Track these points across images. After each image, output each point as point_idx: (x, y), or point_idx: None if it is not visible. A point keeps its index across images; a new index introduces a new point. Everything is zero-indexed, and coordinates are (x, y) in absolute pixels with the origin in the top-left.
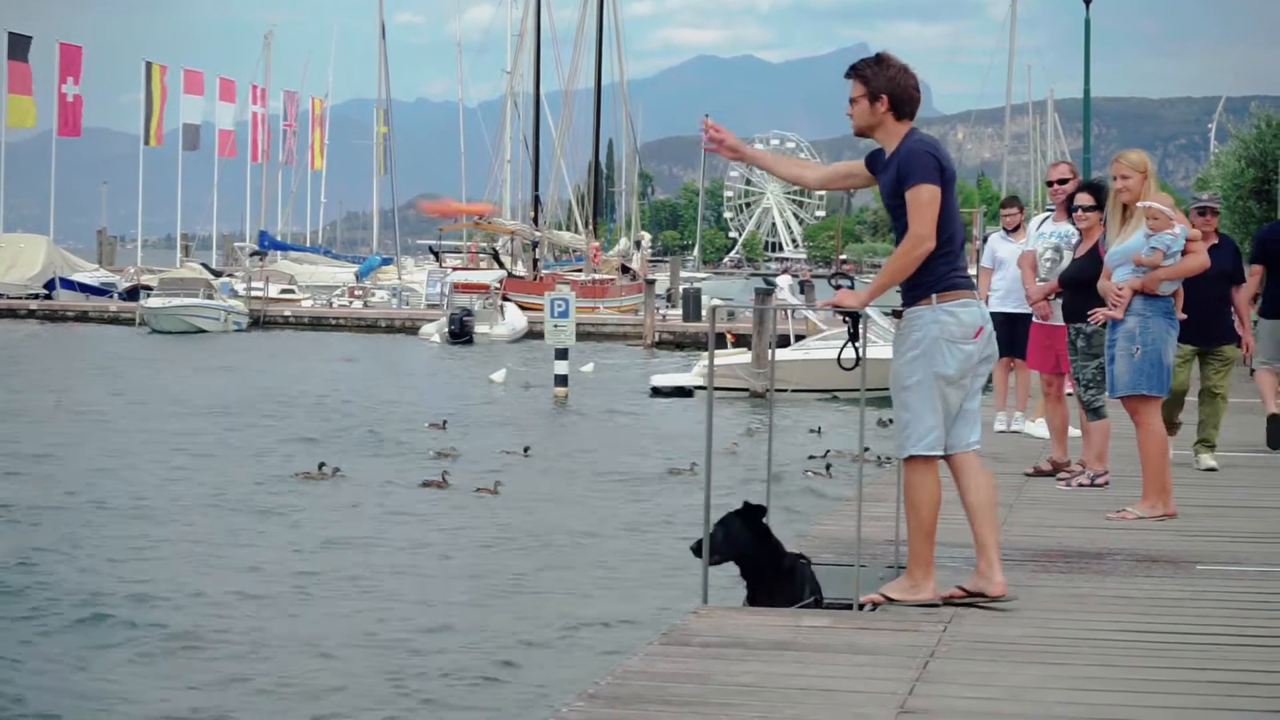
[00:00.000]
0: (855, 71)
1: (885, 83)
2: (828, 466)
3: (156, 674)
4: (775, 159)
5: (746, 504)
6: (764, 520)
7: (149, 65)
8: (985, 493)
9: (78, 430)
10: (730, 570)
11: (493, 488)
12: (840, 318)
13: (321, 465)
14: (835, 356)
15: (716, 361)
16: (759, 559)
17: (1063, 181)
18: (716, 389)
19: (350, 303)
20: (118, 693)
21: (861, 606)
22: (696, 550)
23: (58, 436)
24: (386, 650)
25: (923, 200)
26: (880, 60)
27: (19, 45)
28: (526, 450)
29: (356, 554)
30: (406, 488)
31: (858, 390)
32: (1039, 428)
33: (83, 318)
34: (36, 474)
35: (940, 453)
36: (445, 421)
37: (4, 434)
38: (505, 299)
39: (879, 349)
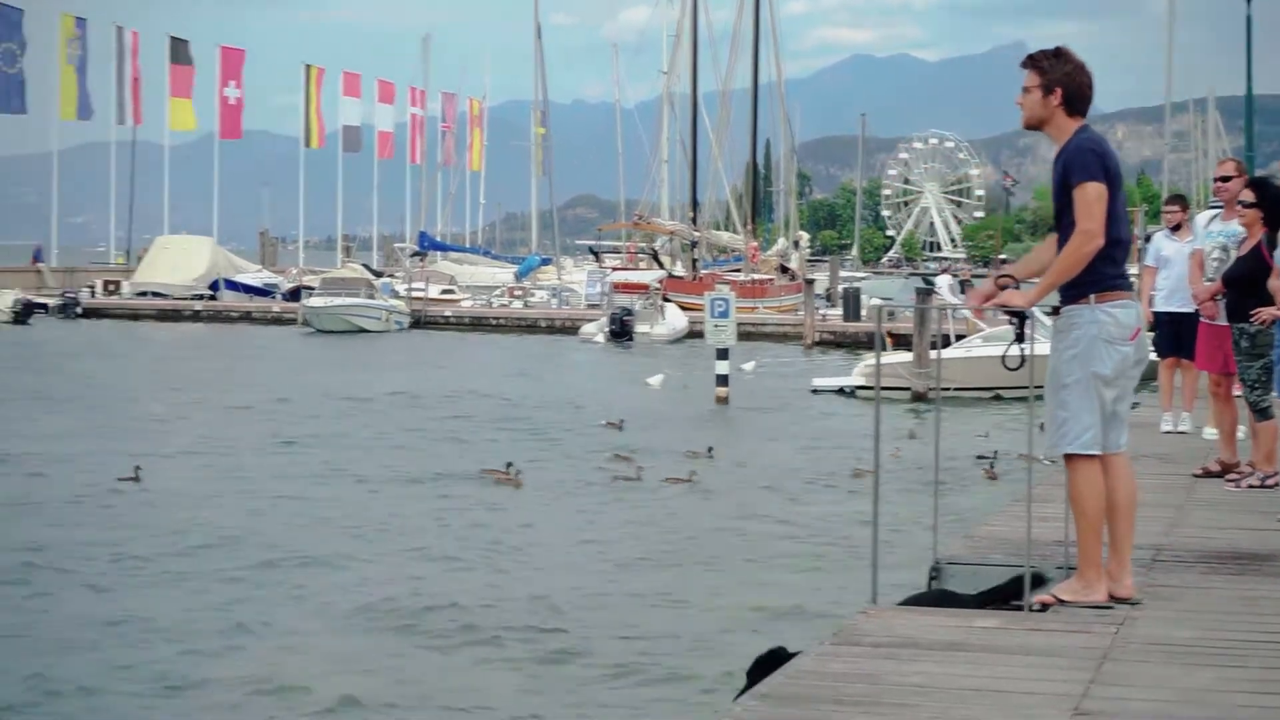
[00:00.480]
0: (1032, 62)
1: (1061, 76)
2: (992, 465)
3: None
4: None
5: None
6: None
7: (308, 68)
8: (1129, 494)
9: (261, 425)
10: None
11: (687, 477)
12: (1006, 317)
13: (509, 465)
14: (1000, 356)
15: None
16: None
17: (1226, 179)
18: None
19: (510, 303)
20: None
21: (1033, 608)
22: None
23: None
24: (553, 642)
25: (1090, 197)
26: (1058, 53)
27: (180, 50)
28: (710, 451)
29: (533, 546)
30: (590, 484)
31: (1020, 389)
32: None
33: (246, 318)
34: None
35: (1098, 451)
36: (622, 421)
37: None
38: (665, 299)
39: (1040, 346)
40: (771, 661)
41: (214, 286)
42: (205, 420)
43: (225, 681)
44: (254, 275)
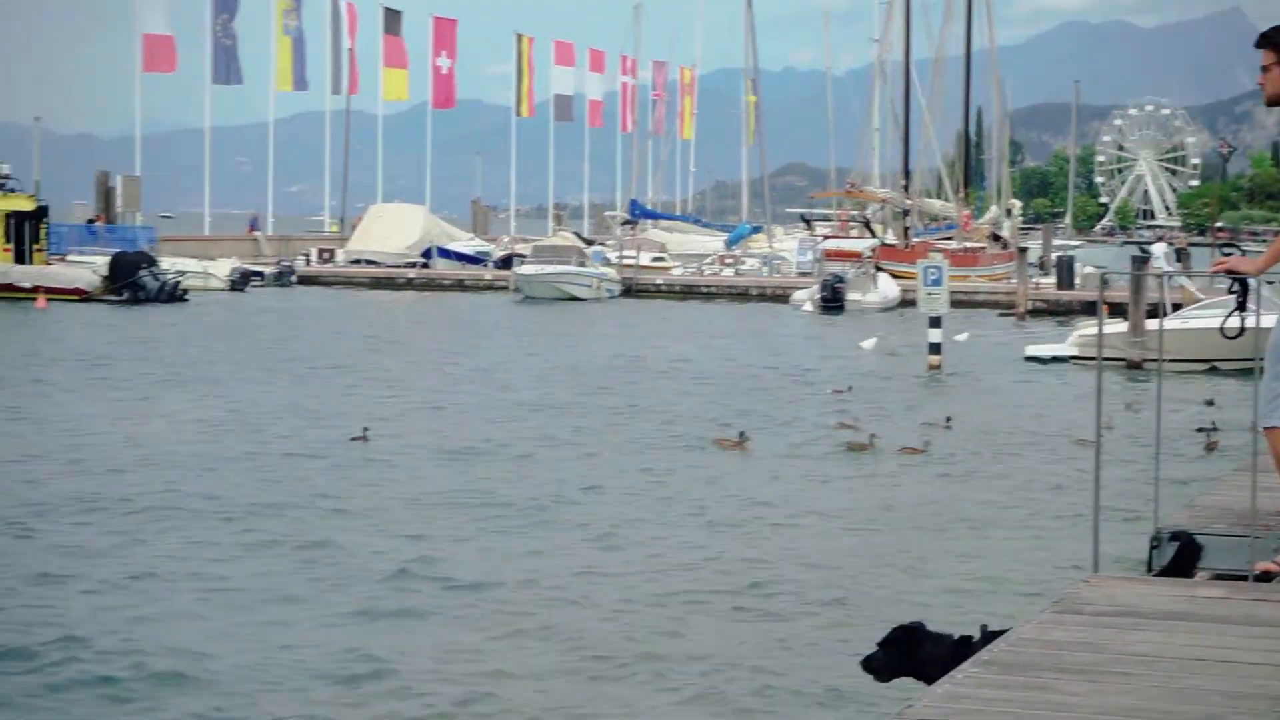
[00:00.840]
0: (1267, 40)
1: None
2: (1210, 435)
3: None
4: None
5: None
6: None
7: (519, 37)
8: None
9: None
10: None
11: (922, 447)
12: (1228, 285)
13: (741, 434)
14: (1218, 325)
15: (1094, 331)
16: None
17: None
18: (1094, 359)
19: (721, 270)
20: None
21: (1257, 577)
22: (866, 667)
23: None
24: (768, 605)
25: None
26: None
27: (393, 20)
28: (949, 421)
29: (759, 516)
30: (820, 452)
31: (1238, 360)
32: None
33: (458, 286)
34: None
35: None
36: (850, 387)
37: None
38: (878, 267)
39: (1263, 320)
40: (904, 635)
41: (427, 254)
42: (429, 384)
43: (519, 630)
44: (466, 243)
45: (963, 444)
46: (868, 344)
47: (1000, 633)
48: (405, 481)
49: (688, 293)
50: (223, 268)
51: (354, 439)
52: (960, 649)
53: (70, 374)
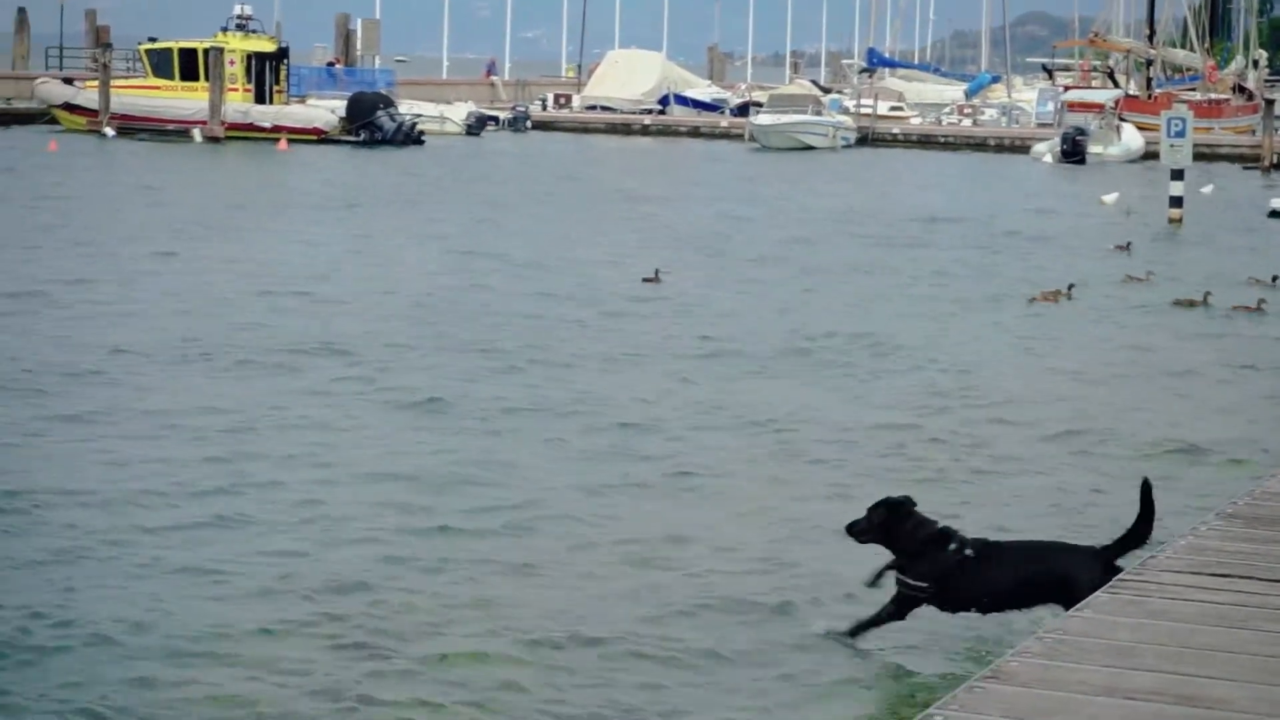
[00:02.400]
0: None
1: None
2: None
3: None
4: None
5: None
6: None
7: None
8: None
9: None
10: None
11: (1255, 305)
12: None
13: (1071, 286)
14: None
15: None
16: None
17: None
18: None
19: (959, 121)
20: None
21: None
22: (849, 529)
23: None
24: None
25: None
26: None
27: None
28: (1275, 280)
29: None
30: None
31: None
32: None
33: (694, 133)
34: None
35: None
36: (1129, 244)
37: None
38: (1121, 118)
39: None
40: (888, 508)
41: (664, 101)
42: (694, 229)
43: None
44: (703, 90)
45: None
46: (1109, 198)
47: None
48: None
49: (925, 142)
50: (458, 112)
51: (646, 280)
52: (940, 536)
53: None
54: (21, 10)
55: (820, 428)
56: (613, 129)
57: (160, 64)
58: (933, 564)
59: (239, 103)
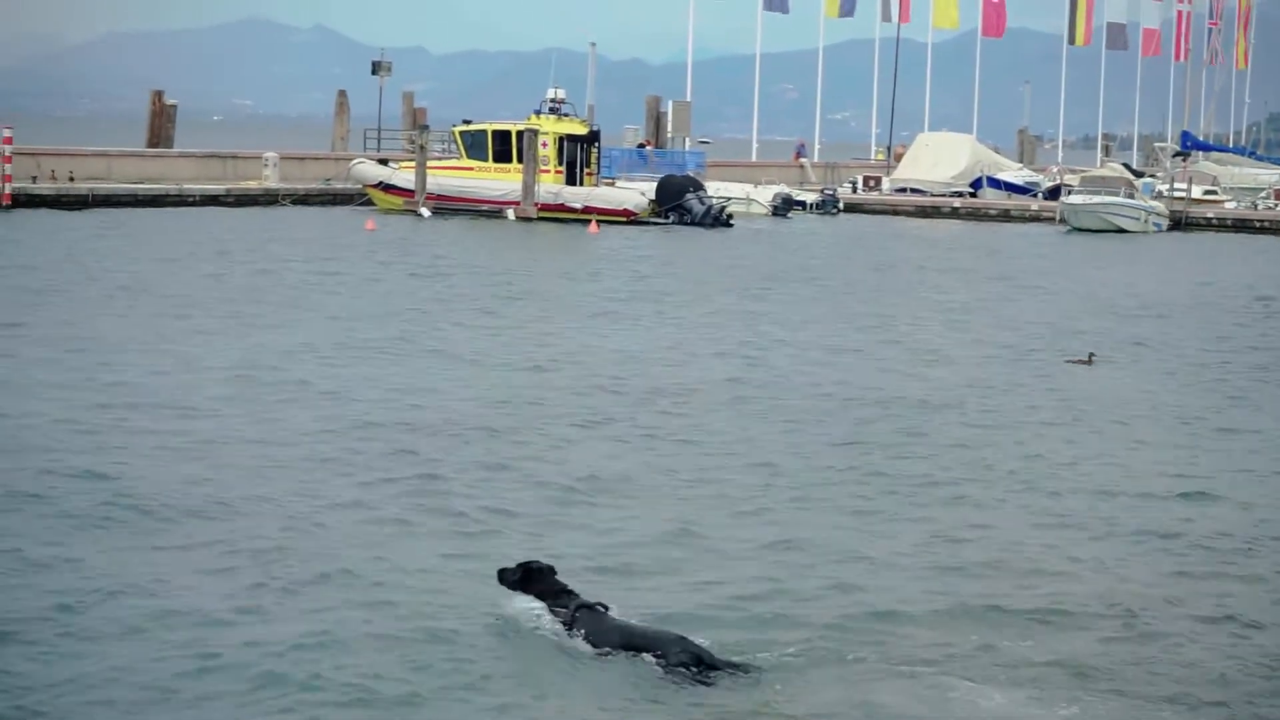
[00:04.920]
0: None
1: None
2: None
3: None
4: None
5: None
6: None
7: None
8: None
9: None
10: None
11: None
12: None
13: None
14: None
15: None
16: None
17: None
18: None
19: (1275, 205)
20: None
21: None
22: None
23: None
24: None
25: None
26: None
27: None
28: None
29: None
30: None
31: None
32: None
33: (1003, 216)
34: None
35: None
36: None
37: None
38: None
39: None
40: (526, 571)
41: (976, 184)
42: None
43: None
44: (1015, 173)
45: None
46: None
47: None
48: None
49: (1240, 227)
50: (765, 194)
51: (1073, 361)
52: (563, 594)
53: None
54: (341, 92)
55: None
56: (922, 212)
57: (474, 145)
58: None
59: (550, 184)
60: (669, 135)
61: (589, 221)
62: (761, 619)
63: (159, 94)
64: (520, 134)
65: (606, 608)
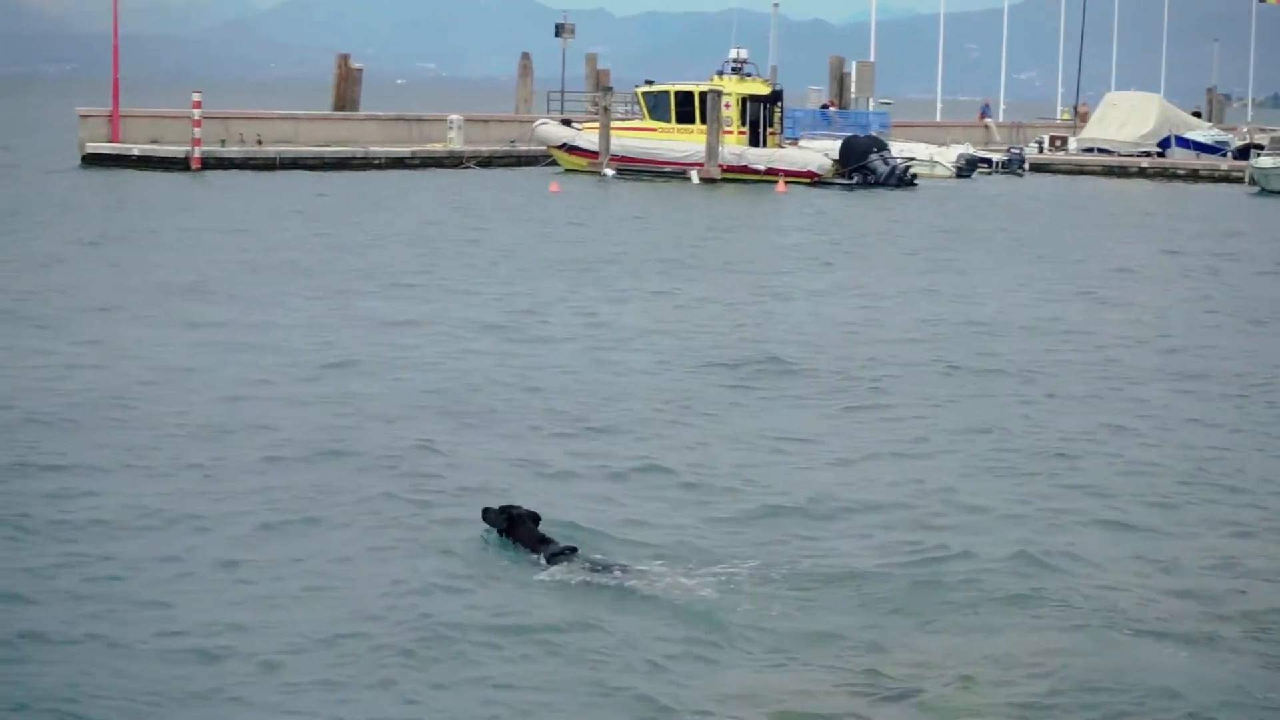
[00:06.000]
0: None
1: None
2: None
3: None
4: None
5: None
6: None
7: None
8: None
9: None
10: None
11: None
12: None
13: None
14: None
15: None
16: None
17: None
18: None
19: None
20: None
21: None
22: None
23: None
24: None
25: None
26: None
27: None
28: None
29: None
30: None
31: None
32: None
33: (1193, 176)
34: None
35: None
36: None
37: None
38: None
39: None
40: (510, 517)
41: (1164, 144)
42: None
43: None
44: (1205, 132)
45: None
46: None
47: None
48: None
49: None
50: (949, 154)
51: None
52: (541, 541)
53: None
54: (525, 55)
55: None
56: (1109, 171)
57: (657, 107)
58: None
59: (734, 145)
60: (852, 95)
61: (774, 183)
62: None
63: (345, 58)
64: (703, 95)
65: (575, 549)
